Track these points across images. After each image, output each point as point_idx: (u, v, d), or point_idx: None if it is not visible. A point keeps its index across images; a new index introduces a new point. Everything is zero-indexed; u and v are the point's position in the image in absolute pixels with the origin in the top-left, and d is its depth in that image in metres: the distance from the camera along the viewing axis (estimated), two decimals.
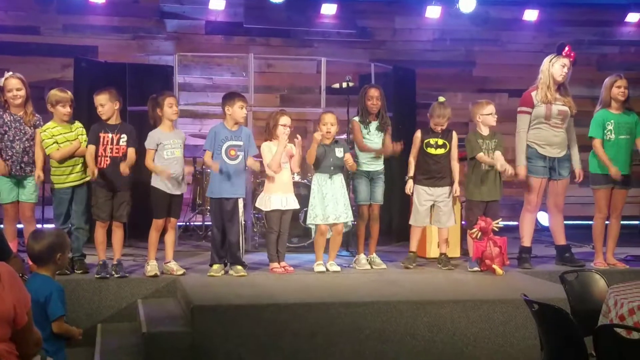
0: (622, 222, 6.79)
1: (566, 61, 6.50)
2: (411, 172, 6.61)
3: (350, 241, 7.26)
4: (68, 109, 6.07)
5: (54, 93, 6.09)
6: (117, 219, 6.01)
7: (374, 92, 6.63)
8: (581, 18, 10.28)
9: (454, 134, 6.65)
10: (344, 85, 7.55)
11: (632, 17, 10.20)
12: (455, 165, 6.63)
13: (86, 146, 5.99)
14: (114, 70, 8.04)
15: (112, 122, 6.01)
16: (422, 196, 6.57)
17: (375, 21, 9.94)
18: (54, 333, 3.64)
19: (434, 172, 6.56)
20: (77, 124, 6.17)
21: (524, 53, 9.78)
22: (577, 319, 3.53)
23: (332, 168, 6.38)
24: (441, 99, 6.68)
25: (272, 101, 9.41)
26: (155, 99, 6.11)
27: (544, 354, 3.71)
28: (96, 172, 5.84)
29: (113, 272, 5.93)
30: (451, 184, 6.61)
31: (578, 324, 3.42)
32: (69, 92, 6.16)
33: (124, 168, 5.82)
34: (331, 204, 6.35)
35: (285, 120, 6.31)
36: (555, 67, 6.49)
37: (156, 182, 6.05)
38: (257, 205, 6.58)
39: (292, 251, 7.06)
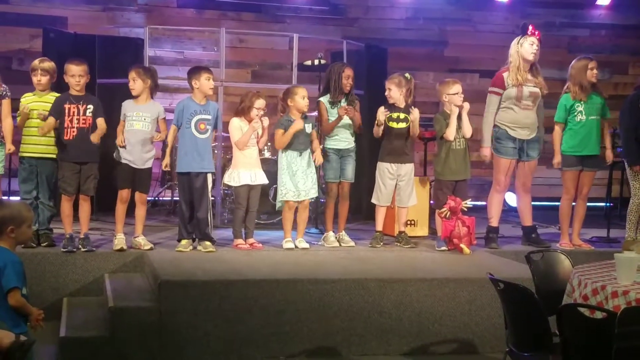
0: (587, 204, 6.88)
1: (534, 39, 6.53)
2: (376, 123, 6.52)
3: (319, 218, 7.27)
4: (38, 77, 6.00)
5: (33, 62, 6.09)
6: (84, 192, 5.94)
7: (350, 72, 6.59)
8: (552, 0, 10.33)
9: (416, 110, 6.62)
10: (316, 62, 7.53)
11: (602, 0, 10.28)
12: (413, 141, 6.64)
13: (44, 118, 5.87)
14: (84, 42, 7.93)
15: (77, 93, 5.93)
16: (386, 174, 6.57)
17: None
18: (11, 306, 3.59)
19: (397, 148, 6.53)
20: (51, 95, 6.05)
21: (496, 34, 9.83)
22: (542, 298, 3.58)
23: (301, 145, 6.37)
24: (408, 75, 6.65)
25: (243, 77, 9.35)
26: (145, 70, 6.16)
27: (509, 333, 3.76)
28: (12, 148, 5.87)
29: (80, 246, 5.88)
30: (413, 161, 6.61)
31: (542, 303, 3.47)
32: (47, 62, 6.07)
33: (95, 137, 5.78)
34: (302, 181, 6.34)
35: (260, 103, 6.26)
36: (525, 46, 6.51)
37: (117, 154, 6.00)
38: (225, 181, 6.54)
39: (260, 228, 7.05)
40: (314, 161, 6.40)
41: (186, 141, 6.11)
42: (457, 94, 6.47)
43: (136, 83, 6.02)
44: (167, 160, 6.14)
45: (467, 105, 6.46)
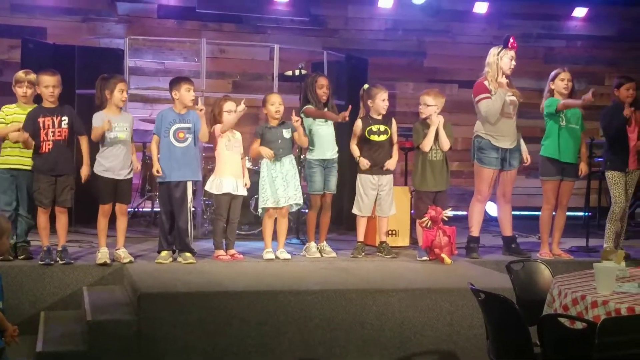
0: (567, 214, 6.93)
1: (513, 53, 6.59)
2: (358, 153, 6.56)
3: (301, 229, 7.26)
4: (24, 90, 5.96)
5: (16, 73, 6.05)
6: (60, 204, 5.86)
7: (324, 81, 6.62)
8: (529, 11, 10.45)
9: (394, 120, 6.66)
10: (297, 72, 7.54)
11: (578, 12, 10.41)
12: (396, 152, 6.64)
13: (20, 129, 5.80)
14: (63, 53, 7.88)
15: (51, 105, 5.86)
16: (368, 185, 6.58)
17: (328, 9, 9.95)
18: None
19: (378, 159, 6.55)
20: (32, 107, 5.99)
21: (474, 45, 9.88)
22: (523, 308, 3.59)
23: (280, 150, 6.36)
24: (366, 85, 6.68)
25: (224, 87, 9.34)
26: (107, 80, 5.97)
27: (490, 343, 3.77)
28: None
29: (57, 259, 5.81)
30: (393, 172, 6.64)
31: (523, 314, 3.48)
32: (32, 74, 6.01)
33: (85, 171, 5.83)
34: (281, 187, 6.33)
35: (229, 105, 6.29)
36: (504, 60, 6.56)
37: (98, 168, 5.93)
38: (207, 188, 6.48)
39: (241, 239, 7.02)
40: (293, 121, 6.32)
41: (165, 150, 6.08)
42: (434, 106, 6.51)
43: (124, 94, 5.97)
44: (156, 165, 6.06)
45: (441, 119, 6.49)
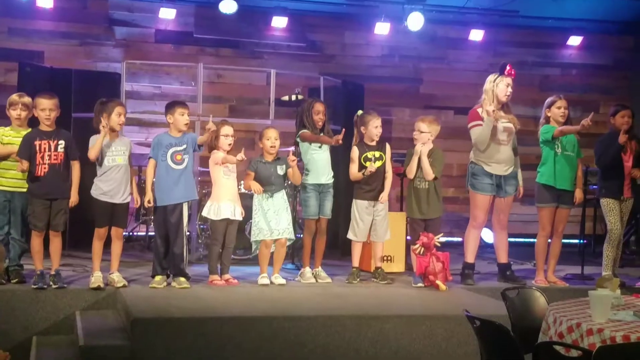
0: (563, 241, 6.92)
1: (509, 80, 6.61)
2: (360, 173, 6.51)
3: (296, 254, 7.24)
4: (18, 112, 5.96)
5: (10, 96, 6.05)
6: (54, 228, 5.84)
7: (320, 107, 6.65)
8: (525, 40, 10.54)
9: (388, 146, 6.68)
10: (293, 97, 7.57)
11: (573, 41, 10.49)
12: (389, 177, 6.64)
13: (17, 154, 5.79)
14: (60, 76, 7.91)
15: (47, 128, 5.86)
16: (363, 210, 6.58)
17: (325, 35, 10.02)
18: None
19: (374, 185, 6.56)
20: (26, 130, 5.98)
21: (470, 72, 9.95)
22: (518, 335, 3.58)
23: (272, 187, 6.37)
24: (360, 112, 6.71)
25: (221, 111, 9.37)
26: (105, 104, 5.99)
27: None
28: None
29: (51, 283, 5.77)
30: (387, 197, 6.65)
31: (518, 341, 3.46)
32: (26, 97, 6.03)
33: (74, 196, 5.83)
34: (274, 220, 6.33)
35: (226, 130, 6.30)
36: (500, 87, 6.59)
37: (95, 191, 5.93)
38: (204, 214, 6.47)
39: (236, 263, 7.00)
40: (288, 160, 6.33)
41: (163, 174, 6.09)
42: (427, 133, 6.53)
43: (121, 118, 5.98)
44: (149, 195, 6.08)
45: (425, 148, 6.49)
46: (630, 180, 6.83)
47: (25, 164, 5.70)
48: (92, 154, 5.85)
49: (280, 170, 6.41)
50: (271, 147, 6.38)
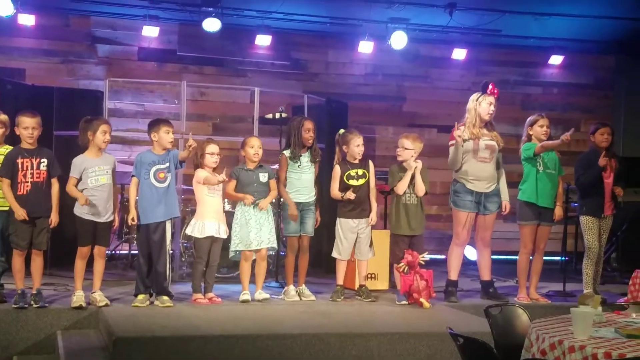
0: (544, 258, 6.96)
1: (492, 99, 6.66)
2: (340, 194, 6.53)
3: (280, 272, 7.23)
4: None
5: None
6: (36, 247, 5.80)
7: (310, 124, 6.65)
8: (507, 59, 10.64)
9: (371, 163, 6.71)
10: (277, 115, 7.58)
11: (554, 60, 10.60)
12: (373, 195, 6.66)
13: None
14: (42, 94, 7.88)
15: (29, 146, 5.84)
16: (347, 229, 6.59)
17: (309, 54, 10.06)
18: None
19: (358, 203, 6.57)
20: (4, 147, 5.96)
21: (453, 90, 10.04)
22: (501, 353, 3.59)
23: (255, 194, 6.36)
24: (342, 131, 6.74)
25: (204, 129, 9.36)
26: (90, 122, 5.98)
27: None
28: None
29: (32, 302, 5.72)
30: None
31: (502, 358, 3.47)
32: (2, 115, 6.00)
33: (54, 216, 5.75)
34: (254, 230, 6.32)
35: (212, 148, 6.31)
36: (483, 105, 6.64)
37: (79, 210, 5.90)
38: (188, 232, 6.46)
39: (220, 282, 6.97)
40: (259, 207, 6.35)
41: (146, 192, 6.07)
42: (411, 150, 6.56)
43: (106, 136, 5.96)
44: (133, 213, 6.05)
45: (419, 165, 6.53)
46: (611, 198, 6.89)
47: (6, 185, 5.66)
48: (67, 189, 5.86)
49: (263, 178, 6.41)
50: (254, 154, 6.38)
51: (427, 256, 6.43)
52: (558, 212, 6.81)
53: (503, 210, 6.82)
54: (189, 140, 6.06)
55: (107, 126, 6.01)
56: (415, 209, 6.59)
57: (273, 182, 6.47)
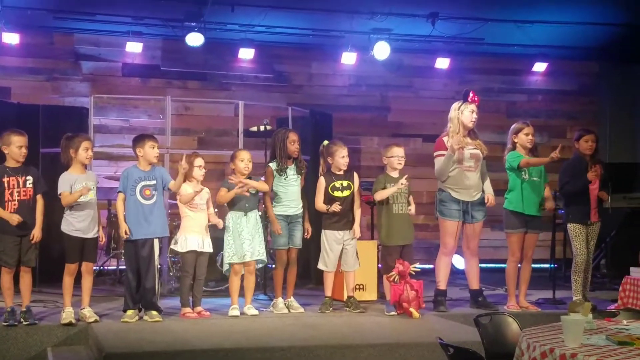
0: (533, 266, 6.98)
1: (473, 107, 6.68)
2: (325, 207, 6.55)
3: (268, 285, 7.21)
4: None
5: None
6: (25, 264, 5.78)
7: (295, 136, 6.65)
8: (490, 67, 10.70)
9: (356, 174, 6.73)
10: (262, 128, 7.58)
11: (538, 67, 10.66)
12: (357, 207, 6.67)
13: None
14: (27, 112, 7.86)
15: (15, 164, 5.82)
16: (333, 240, 6.59)
17: (292, 66, 10.09)
18: None
19: (343, 215, 6.58)
20: None
21: (437, 99, 10.08)
22: None
23: (247, 205, 6.37)
24: (326, 142, 6.76)
25: (189, 144, 9.36)
26: (71, 139, 5.96)
27: None
28: None
29: (22, 319, 5.69)
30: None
31: None
32: None
33: (37, 232, 5.74)
34: (247, 241, 6.32)
35: (199, 161, 6.33)
36: (465, 113, 6.67)
37: (66, 227, 5.88)
38: (172, 246, 6.48)
39: (208, 295, 6.96)
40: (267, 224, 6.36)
41: (132, 209, 6.06)
42: (395, 157, 6.59)
43: (89, 152, 5.95)
44: (124, 226, 6.02)
45: (404, 182, 6.52)
46: (597, 204, 6.93)
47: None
48: (65, 203, 5.83)
49: (253, 189, 6.41)
50: (244, 168, 6.38)
51: (418, 266, 6.44)
52: (549, 205, 6.83)
53: (487, 202, 6.78)
54: (182, 162, 6.06)
55: (89, 142, 6.01)
56: (406, 218, 6.62)
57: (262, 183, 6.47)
